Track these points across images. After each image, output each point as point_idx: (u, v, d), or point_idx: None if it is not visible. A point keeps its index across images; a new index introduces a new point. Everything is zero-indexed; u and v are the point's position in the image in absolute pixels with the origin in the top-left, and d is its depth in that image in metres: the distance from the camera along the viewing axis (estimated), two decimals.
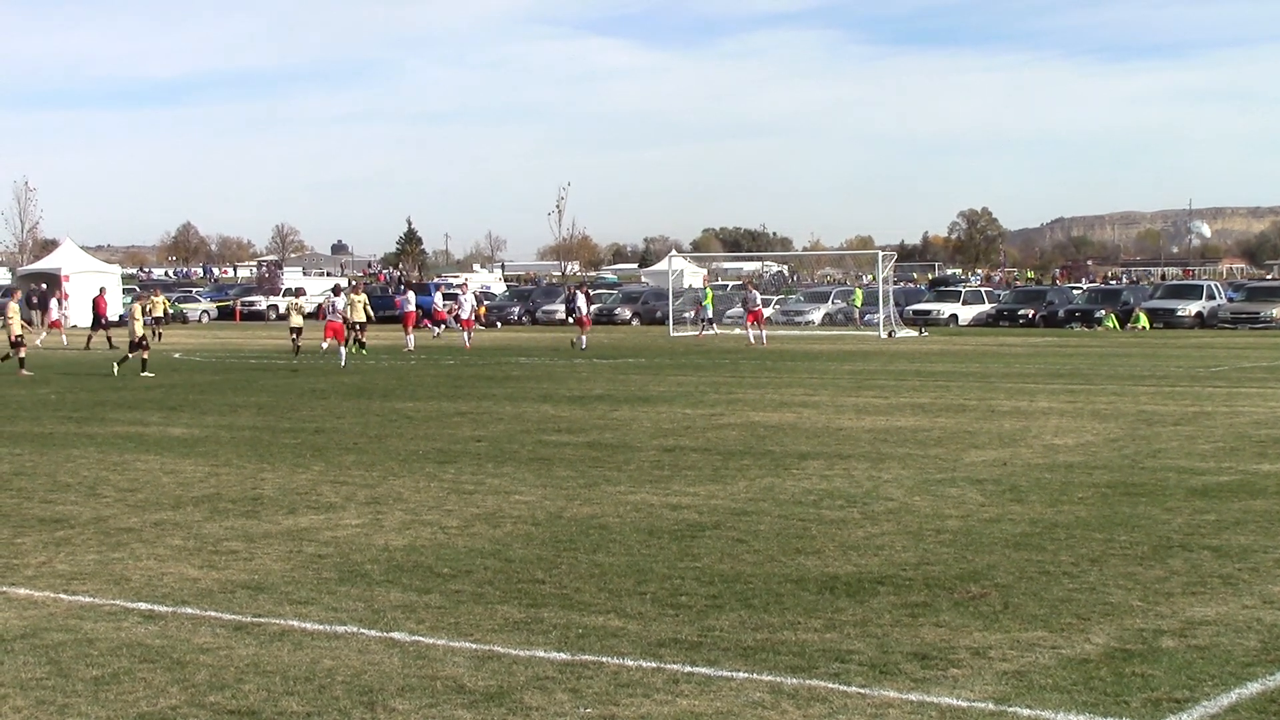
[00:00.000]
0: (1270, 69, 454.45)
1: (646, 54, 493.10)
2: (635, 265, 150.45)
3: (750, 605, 9.00)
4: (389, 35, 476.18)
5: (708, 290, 56.62)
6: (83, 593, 9.60)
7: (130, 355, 31.89)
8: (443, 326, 52.67)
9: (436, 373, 31.94)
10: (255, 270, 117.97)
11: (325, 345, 36.09)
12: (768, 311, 61.52)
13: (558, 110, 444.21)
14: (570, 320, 53.96)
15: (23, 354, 32.96)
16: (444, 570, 10.16)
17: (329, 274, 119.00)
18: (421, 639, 8.27)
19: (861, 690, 7.19)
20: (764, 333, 44.68)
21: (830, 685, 7.27)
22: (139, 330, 31.97)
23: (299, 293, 44.56)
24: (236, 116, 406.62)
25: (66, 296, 57.15)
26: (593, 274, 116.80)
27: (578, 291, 47.03)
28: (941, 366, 32.78)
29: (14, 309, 34.50)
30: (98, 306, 48.33)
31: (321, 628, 8.55)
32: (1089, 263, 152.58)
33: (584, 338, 41.22)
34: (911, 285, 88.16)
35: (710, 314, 53.23)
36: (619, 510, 12.65)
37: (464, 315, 43.86)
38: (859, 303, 61.35)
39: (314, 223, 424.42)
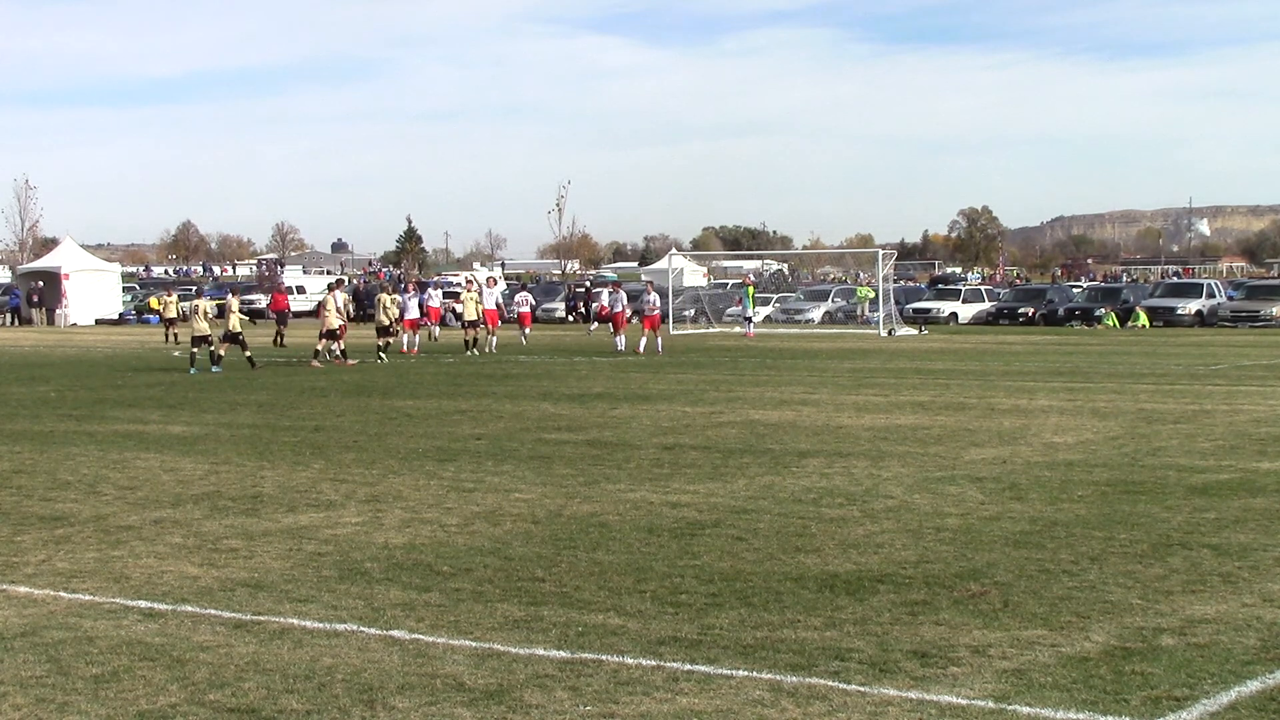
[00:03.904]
0: (1270, 68, 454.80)
1: (646, 52, 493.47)
2: (635, 263, 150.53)
3: (750, 603, 8.99)
4: (389, 34, 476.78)
5: (749, 289, 56.06)
6: (82, 591, 9.60)
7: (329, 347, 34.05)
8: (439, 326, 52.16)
9: (436, 371, 31.93)
10: (255, 269, 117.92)
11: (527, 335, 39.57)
12: (768, 310, 61.66)
13: (558, 109, 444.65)
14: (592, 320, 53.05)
15: (340, 347, 34.12)
16: (444, 568, 10.16)
17: (328, 272, 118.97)
18: (421, 637, 8.27)
19: (861, 688, 7.19)
20: (659, 340, 39.84)
21: (830, 683, 7.27)
22: (334, 321, 33.78)
23: (337, 285, 39.20)
24: (236, 115, 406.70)
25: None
26: (593, 272, 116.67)
27: (609, 290, 43.90)
28: (941, 365, 32.78)
29: (331, 302, 34.77)
30: (277, 302, 47.21)
31: (321, 626, 8.55)
32: (1089, 261, 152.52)
33: (622, 337, 39.79)
34: (911, 284, 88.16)
35: (750, 312, 52.81)
36: (619, 508, 12.65)
37: (409, 315, 39.02)
38: (864, 297, 61.12)
39: (314, 221, 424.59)
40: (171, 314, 49.14)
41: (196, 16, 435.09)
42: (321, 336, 34.31)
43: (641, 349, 38.05)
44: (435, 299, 49.95)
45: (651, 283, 44.87)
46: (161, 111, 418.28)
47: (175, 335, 46.12)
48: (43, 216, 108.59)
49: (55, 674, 7.60)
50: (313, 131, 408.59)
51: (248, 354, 32.53)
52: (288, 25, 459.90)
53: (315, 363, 33.52)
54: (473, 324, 38.68)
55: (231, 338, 32.68)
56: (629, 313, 39.98)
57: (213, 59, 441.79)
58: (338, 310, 34.49)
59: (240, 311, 34.23)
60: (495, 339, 39.65)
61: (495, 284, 44.96)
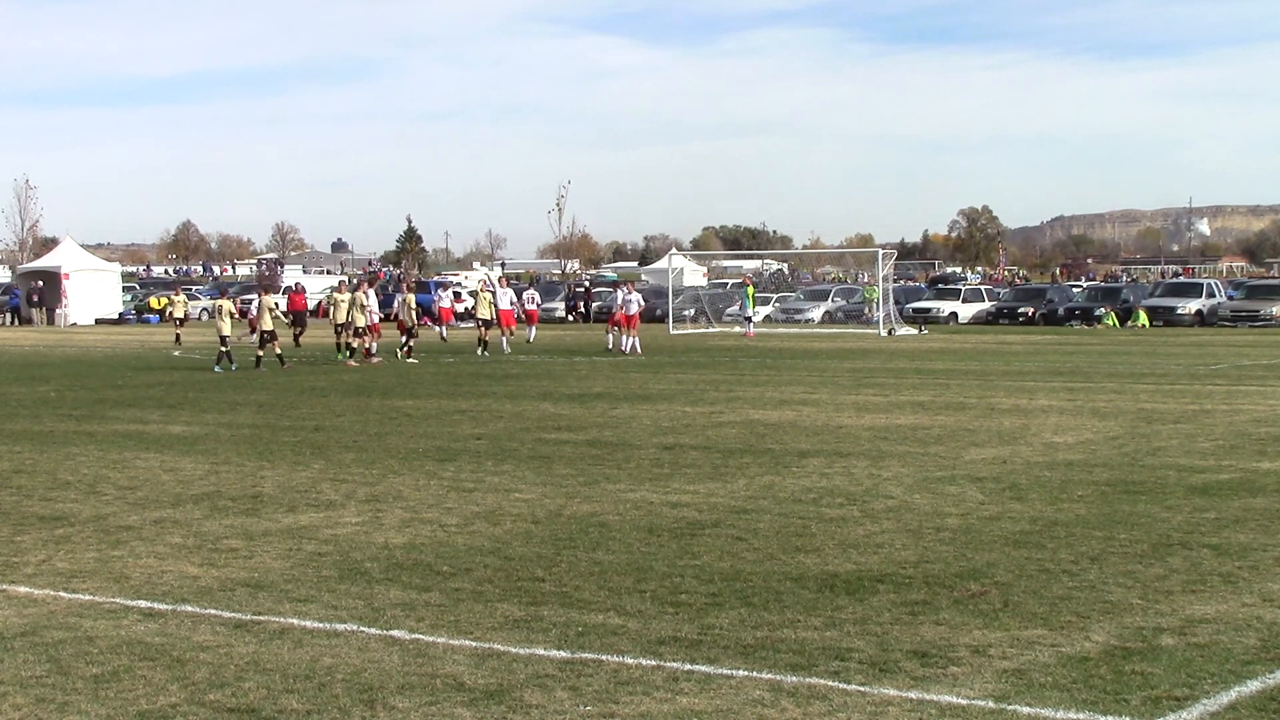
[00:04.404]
0: (1270, 68, 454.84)
1: (646, 52, 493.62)
2: (635, 263, 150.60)
3: (750, 603, 8.99)
4: (389, 33, 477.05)
5: (749, 289, 55.82)
6: (82, 591, 9.60)
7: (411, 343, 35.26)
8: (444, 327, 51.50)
9: (436, 371, 31.93)
10: (255, 268, 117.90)
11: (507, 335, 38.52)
12: (767, 310, 61.57)
13: (558, 108, 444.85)
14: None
15: (369, 343, 34.50)
16: (444, 568, 10.16)
17: (329, 272, 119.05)
18: (421, 637, 8.27)
19: (861, 688, 7.19)
20: (637, 340, 38.46)
21: (830, 683, 7.27)
22: (364, 319, 34.17)
23: (370, 282, 38.13)
24: (236, 115, 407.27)
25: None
26: (592, 272, 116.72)
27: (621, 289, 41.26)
28: (941, 364, 32.78)
29: (362, 299, 34.84)
30: (294, 303, 44.94)
31: (321, 625, 8.55)
32: (1089, 261, 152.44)
33: (625, 339, 38.43)
34: (911, 283, 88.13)
35: (750, 312, 52.66)
36: (619, 508, 12.65)
37: (401, 315, 37.43)
38: (872, 297, 61.18)
39: (314, 221, 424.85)
40: (180, 313, 48.74)
41: (196, 16, 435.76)
42: (358, 333, 34.49)
43: (625, 348, 37.60)
44: (446, 299, 49.60)
45: (631, 282, 44.33)
46: (161, 111, 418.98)
47: (178, 335, 45.91)
48: (43, 216, 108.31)
49: (55, 674, 7.60)
50: (313, 131, 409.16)
51: (260, 353, 32.55)
52: (288, 25, 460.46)
53: (377, 359, 33.91)
54: (487, 324, 38.18)
55: (269, 337, 32.83)
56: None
57: (213, 59, 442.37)
58: (370, 309, 34.78)
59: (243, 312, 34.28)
60: (507, 339, 39.43)
61: (507, 284, 44.16)
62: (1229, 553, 10.45)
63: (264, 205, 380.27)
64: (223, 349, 32.25)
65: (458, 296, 58.71)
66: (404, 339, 35.93)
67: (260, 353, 32.60)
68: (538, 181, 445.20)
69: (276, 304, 35.36)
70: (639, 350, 37.92)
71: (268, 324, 32.80)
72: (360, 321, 34.20)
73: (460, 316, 53.07)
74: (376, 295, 38.11)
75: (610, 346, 38.90)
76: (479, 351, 37.34)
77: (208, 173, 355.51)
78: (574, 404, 22.84)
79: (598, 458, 16.12)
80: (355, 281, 41.70)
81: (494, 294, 39.27)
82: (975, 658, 7.70)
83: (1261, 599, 9.04)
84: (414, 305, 36.35)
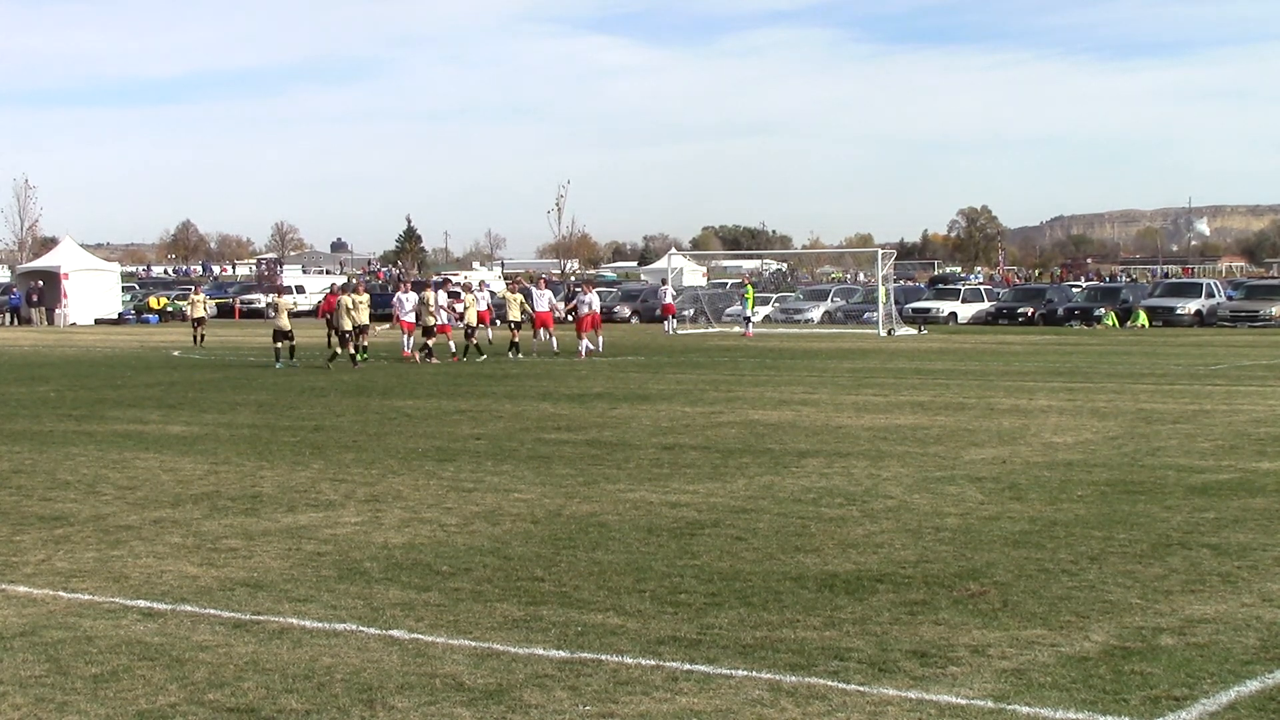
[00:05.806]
0: (1270, 68, 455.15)
1: (646, 52, 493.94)
2: (635, 263, 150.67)
3: (749, 603, 8.99)
4: (389, 34, 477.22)
5: (749, 288, 55.44)
6: (82, 590, 9.59)
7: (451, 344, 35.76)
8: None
9: (435, 371, 31.93)
10: (254, 268, 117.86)
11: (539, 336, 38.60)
12: (767, 310, 61.53)
13: (558, 109, 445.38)
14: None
15: (431, 342, 35.07)
16: (443, 568, 10.16)
17: (328, 271, 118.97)
18: (421, 637, 8.26)
19: (860, 688, 7.19)
20: (600, 341, 38.03)
21: (829, 683, 7.27)
22: (433, 319, 35.07)
23: (427, 287, 38.55)
24: (236, 115, 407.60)
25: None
26: (592, 271, 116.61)
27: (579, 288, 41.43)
28: (941, 365, 32.78)
29: (431, 299, 35.58)
30: (330, 304, 45.13)
31: (321, 625, 8.55)
32: (1089, 260, 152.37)
33: (582, 341, 37.65)
34: (911, 283, 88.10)
35: (749, 312, 52.46)
36: (618, 508, 12.65)
37: (404, 317, 37.37)
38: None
39: (313, 221, 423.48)
40: (200, 313, 48.32)
41: (196, 16, 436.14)
42: (427, 333, 35.10)
43: (583, 352, 36.47)
44: (484, 301, 48.72)
45: (589, 283, 44.44)
46: (161, 111, 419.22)
47: (203, 335, 45.61)
48: (42, 216, 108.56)
49: (55, 674, 7.60)
50: (313, 131, 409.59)
51: (349, 352, 32.89)
52: (288, 25, 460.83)
53: (434, 359, 34.52)
54: (517, 325, 37.88)
55: (361, 331, 33.40)
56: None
57: (213, 59, 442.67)
58: (436, 309, 35.44)
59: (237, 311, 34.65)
60: (555, 340, 39.02)
61: (546, 285, 43.51)
62: (1229, 553, 10.45)
63: (264, 205, 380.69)
64: (278, 345, 33.39)
65: (458, 297, 58.14)
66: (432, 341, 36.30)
67: (350, 351, 33.02)
68: (538, 181, 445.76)
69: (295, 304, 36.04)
70: (599, 349, 37.34)
71: (349, 323, 33.17)
72: (430, 321, 35.00)
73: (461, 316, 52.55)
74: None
75: (584, 353, 37.05)
76: (509, 354, 36.86)
77: (208, 173, 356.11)
78: (574, 404, 22.84)
79: (597, 458, 16.12)
80: (443, 282, 41.39)
81: (525, 296, 39.59)
82: (975, 658, 7.70)
83: (1261, 599, 9.04)
84: (524, 303, 37.54)
